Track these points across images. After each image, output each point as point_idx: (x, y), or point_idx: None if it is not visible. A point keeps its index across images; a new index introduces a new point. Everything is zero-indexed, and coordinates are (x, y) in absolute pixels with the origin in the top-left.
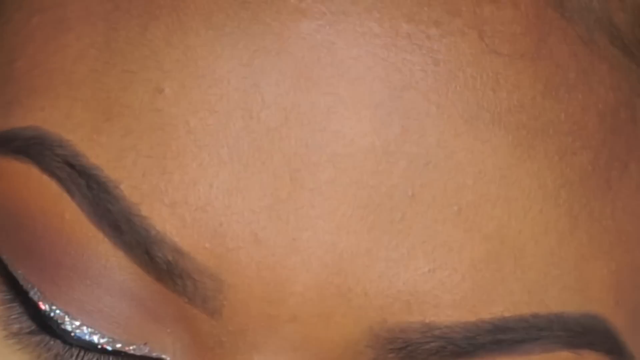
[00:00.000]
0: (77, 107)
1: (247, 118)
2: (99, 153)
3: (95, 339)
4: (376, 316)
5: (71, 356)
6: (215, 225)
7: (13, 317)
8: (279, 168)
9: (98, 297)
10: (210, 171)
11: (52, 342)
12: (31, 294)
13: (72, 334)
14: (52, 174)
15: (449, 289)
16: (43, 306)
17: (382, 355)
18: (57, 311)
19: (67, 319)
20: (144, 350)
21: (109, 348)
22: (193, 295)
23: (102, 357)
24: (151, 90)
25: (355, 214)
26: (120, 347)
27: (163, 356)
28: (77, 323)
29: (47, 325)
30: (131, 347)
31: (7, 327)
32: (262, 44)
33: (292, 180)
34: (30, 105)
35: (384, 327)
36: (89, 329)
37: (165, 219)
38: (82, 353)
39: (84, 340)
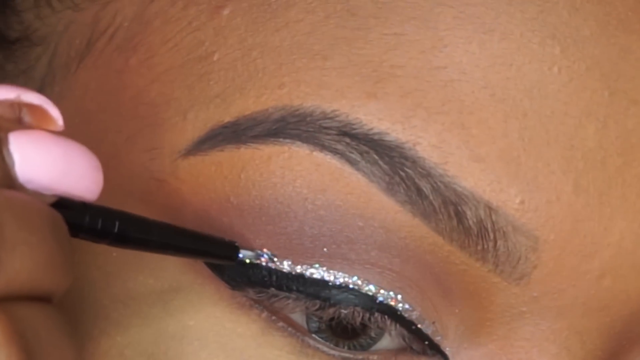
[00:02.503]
0: (331, 76)
1: (544, 70)
2: (378, 117)
3: (388, 297)
4: None
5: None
6: (529, 178)
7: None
8: (584, 118)
9: (391, 266)
10: (515, 123)
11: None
12: (312, 273)
13: (373, 295)
14: (326, 148)
15: None
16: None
17: None
18: (346, 280)
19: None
20: (429, 330)
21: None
22: (503, 258)
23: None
24: (428, 49)
25: None
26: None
27: (438, 338)
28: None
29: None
30: (422, 326)
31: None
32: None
33: (597, 129)
34: (261, 88)
35: None
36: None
37: (474, 175)
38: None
39: (382, 302)
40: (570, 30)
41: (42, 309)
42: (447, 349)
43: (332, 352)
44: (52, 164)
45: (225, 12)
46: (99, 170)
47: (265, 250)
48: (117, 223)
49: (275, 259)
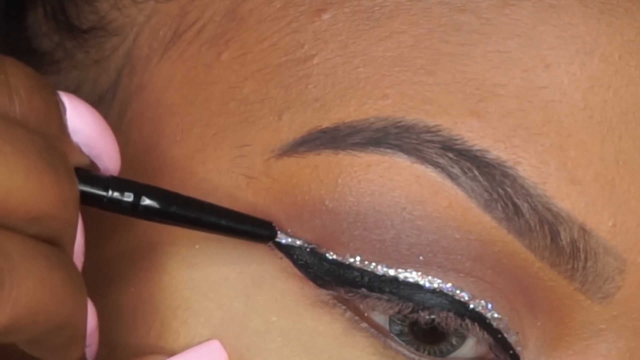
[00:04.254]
0: (434, 91)
1: None
2: (480, 135)
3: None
4: None
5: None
6: (621, 202)
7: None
8: None
9: (489, 280)
10: (611, 147)
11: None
12: (407, 275)
13: (466, 302)
14: (427, 161)
15: None
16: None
17: None
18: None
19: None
20: (513, 340)
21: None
22: (591, 277)
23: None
24: (530, 68)
25: None
26: (501, 327)
27: (519, 348)
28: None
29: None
30: (507, 335)
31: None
32: None
33: None
34: (363, 97)
35: None
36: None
37: (572, 197)
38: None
39: (474, 310)
40: None
41: (31, 241)
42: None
43: (412, 355)
44: (94, 120)
45: (327, 16)
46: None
47: (305, 243)
48: (143, 196)
49: (366, 262)
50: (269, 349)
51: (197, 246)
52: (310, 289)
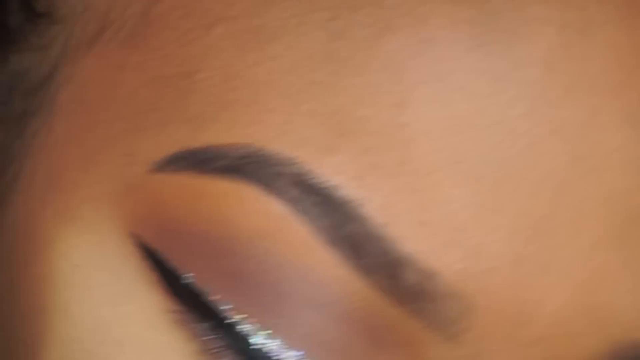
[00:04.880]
0: (298, 122)
1: (505, 133)
2: (335, 171)
3: None
4: (621, 333)
5: None
6: (470, 246)
7: (214, 350)
8: (538, 184)
9: (324, 326)
10: (466, 189)
11: None
12: (241, 325)
13: None
14: (277, 194)
15: None
16: (258, 338)
17: None
18: (276, 343)
19: (287, 351)
20: None
21: None
22: (436, 318)
23: None
24: (393, 104)
25: (609, 230)
26: None
27: None
28: (299, 354)
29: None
30: None
31: None
32: (519, 55)
33: (551, 196)
34: (232, 121)
35: (627, 343)
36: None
37: (416, 240)
38: None
39: None
40: (539, 90)
41: None
42: None
43: None
44: None
45: (217, 30)
46: None
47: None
48: None
49: (214, 297)
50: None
51: (82, 248)
52: (173, 305)
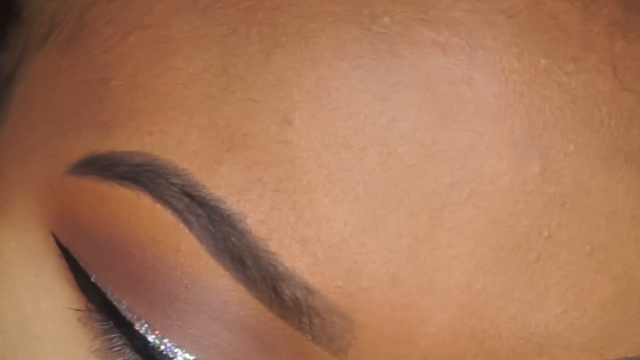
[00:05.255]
0: (192, 134)
1: (384, 154)
2: (220, 184)
3: None
4: (507, 358)
5: None
6: (349, 264)
7: (115, 349)
8: (417, 206)
9: (214, 332)
10: (345, 208)
11: None
12: (137, 326)
13: None
14: (167, 203)
15: (578, 331)
16: (152, 339)
17: None
18: (169, 345)
19: (180, 353)
20: None
21: None
22: (319, 333)
23: None
24: (279, 121)
25: (492, 255)
26: None
27: None
28: (192, 358)
29: (153, 359)
30: None
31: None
32: (400, 77)
33: (431, 218)
34: (135, 129)
35: None
36: None
37: (295, 256)
38: None
39: None
40: (419, 112)
41: None
42: None
43: None
44: None
45: (132, 38)
46: None
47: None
48: None
49: (114, 298)
50: (39, 355)
51: (12, 244)
52: (84, 304)
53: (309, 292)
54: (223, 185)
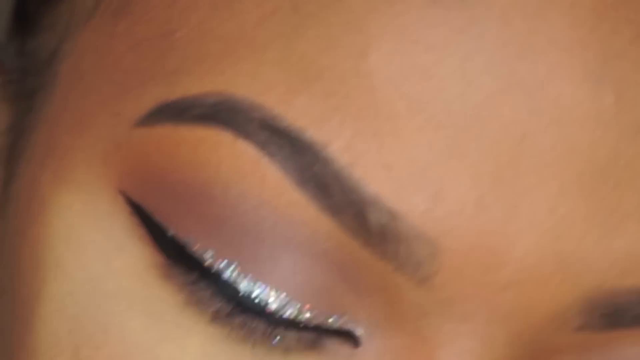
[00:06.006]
0: (265, 68)
1: (464, 85)
2: (299, 114)
3: (294, 312)
4: (592, 281)
5: (275, 336)
6: (434, 189)
7: (204, 300)
8: (499, 134)
9: (300, 267)
10: (428, 135)
11: (254, 323)
12: (226, 273)
13: (276, 311)
14: (248, 137)
15: None
16: (244, 285)
17: (591, 321)
18: (262, 287)
19: (273, 295)
20: (339, 323)
21: (311, 324)
22: (404, 261)
23: (302, 334)
24: (355, 55)
25: (573, 181)
26: (320, 321)
27: (355, 330)
28: (287, 299)
29: (244, 305)
30: (330, 320)
31: (203, 311)
32: (476, 12)
33: (512, 146)
34: (205, 72)
35: (599, 292)
36: (292, 303)
37: (381, 181)
38: (285, 331)
39: (285, 318)
40: (497, 45)
41: None
42: (358, 333)
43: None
44: None
45: None
46: None
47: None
48: None
49: (197, 246)
50: (114, 312)
51: (76, 208)
52: (161, 259)
53: (394, 217)
54: (303, 116)
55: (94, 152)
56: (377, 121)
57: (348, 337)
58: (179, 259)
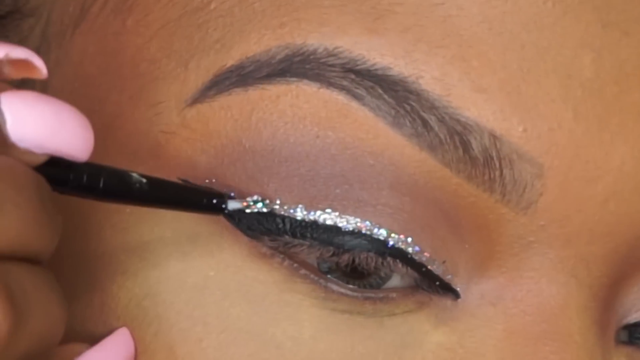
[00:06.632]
0: (330, 13)
1: (540, 4)
2: (382, 52)
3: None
4: None
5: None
6: (530, 107)
7: (302, 258)
8: (579, 49)
9: (402, 208)
10: (514, 54)
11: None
12: (322, 219)
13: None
14: (332, 84)
15: None
16: (342, 224)
17: None
18: (369, 225)
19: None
20: (440, 271)
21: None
22: (510, 187)
23: (406, 290)
24: None
25: None
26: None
27: (454, 282)
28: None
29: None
30: (433, 267)
31: (306, 277)
32: None
33: (594, 59)
34: (260, 29)
35: None
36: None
37: (478, 106)
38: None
39: (394, 247)
40: None
41: (31, 269)
42: (458, 286)
43: (353, 293)
44: (43, 122)
45: None
46: (89, 129)
47: (256, 197)
48: (102, 179)
49: (286, 206)
50: (208, 303)
51: (127, 210)
52: (245, 241)
53: (497, 139)
54: (385, 54)
55: (138, 149)
56: (462, 47)
57: (448, 290)
58: (263, 232)
